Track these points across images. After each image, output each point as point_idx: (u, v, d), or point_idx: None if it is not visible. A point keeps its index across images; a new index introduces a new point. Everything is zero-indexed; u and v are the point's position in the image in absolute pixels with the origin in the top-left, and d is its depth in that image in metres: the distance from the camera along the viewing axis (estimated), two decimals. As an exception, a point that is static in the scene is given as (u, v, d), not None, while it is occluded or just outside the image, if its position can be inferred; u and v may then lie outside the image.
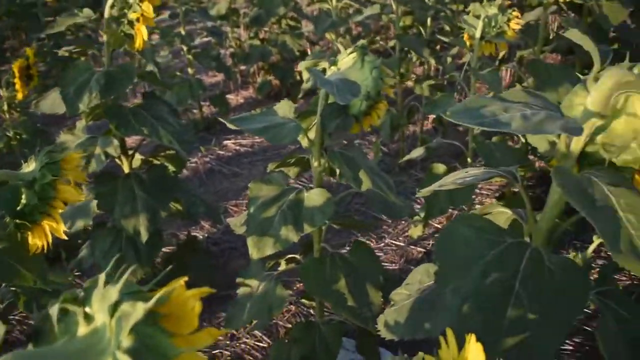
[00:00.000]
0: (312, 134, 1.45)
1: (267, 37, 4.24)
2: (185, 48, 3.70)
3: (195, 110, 4.17)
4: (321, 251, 1.59)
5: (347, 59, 1.46)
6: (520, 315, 0.73)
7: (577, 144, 0.80)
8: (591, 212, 0.69)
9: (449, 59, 3.00)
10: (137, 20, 1.72)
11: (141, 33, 1.72)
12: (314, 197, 1.43)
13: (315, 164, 1.50)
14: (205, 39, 4.83)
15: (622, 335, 0.87)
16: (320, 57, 1.66)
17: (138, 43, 1.74)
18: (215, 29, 3.87)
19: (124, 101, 2.36)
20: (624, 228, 0.70)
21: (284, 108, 1.52)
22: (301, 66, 1.56)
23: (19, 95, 2.44)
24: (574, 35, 0.84)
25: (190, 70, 3.82)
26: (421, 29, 2.89)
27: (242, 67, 4.75)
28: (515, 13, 1.79)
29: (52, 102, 1.89)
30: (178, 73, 3.91)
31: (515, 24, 1.78)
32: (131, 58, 3.42)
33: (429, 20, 2.86)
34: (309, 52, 4.30)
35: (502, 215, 1.03)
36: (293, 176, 1.67)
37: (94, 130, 1.96)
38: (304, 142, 1.44)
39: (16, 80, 2.43)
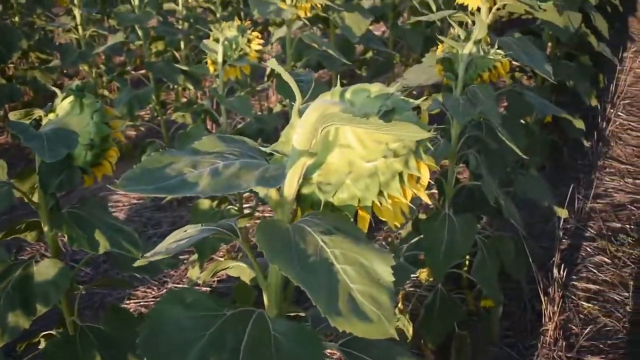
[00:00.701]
0: (36, 197, 1.24)
1: (14, 73, 3.77)
2: None
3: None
4: (74, 325, 1.36)
5: (64, 104, 1.26)
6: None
7: (289, 187, 0.71)
8: (301, 274, 0.59)
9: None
10: None
11: None
12: (45, 269, 1.22)
13: (46, 228, 1.29)
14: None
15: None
16: (67, 96, 1.42)
17: None
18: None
19: None
20: (341, 283, 0.62)
21: (-1, 169, 1.28)
22: (11, 116, 1.32)
23: None
24: (273, 64, 0.75)
25: None
26: (175, 53, 2.75)
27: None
28: (255, 33, 1.73)
29: None
30: None
31: (257, 45, 1.72)
32: None
33: (182, 44, 2.73)
34: (65, 84, 3.91)
35: (244, 271, 0.93)
36: (32, 241, 1.44)
37: None
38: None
39: None
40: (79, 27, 3.09)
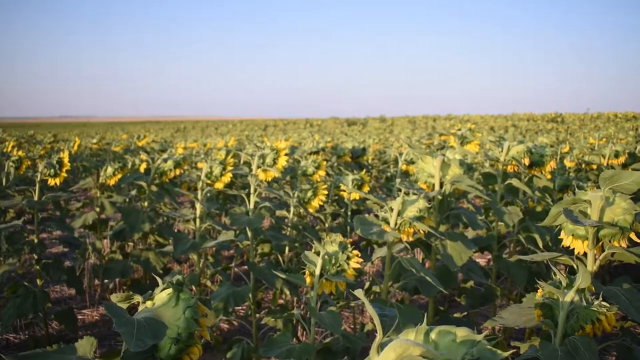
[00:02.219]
0: (116, 378, 1.25)
1: (132, 251, 4.06)
2: (35, 257, 3.43)
3: (41, 325, 3.76)
4: None
5: (162, 295, 1.32)
6: None
7: None
8: None
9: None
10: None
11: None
12: None
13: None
14: (65, 249, 4.57)
15: None
16: (167, 287, 1.51)
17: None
18: (73, 240, 3.66)
19: None
20: None
21: (85, 346, 1.33)
22: (113, 298, 1.40)
23: None
24: (359, 294, 0.76)
25: (39, 282, 3.50)
26: (279, 257, 2.86)
27: (106, 280, 4.48)
28: (355, 252, 1.77)
29: None
30: (26, 284, 3.57)
31: (355, 263, 1.75)
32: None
33: (287, 248, 2.85)
34: (174, 269, 4.13)
35: None
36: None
37: None
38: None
39: None
40: (197, 220, 3.34)
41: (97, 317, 4.12)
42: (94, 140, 12.00)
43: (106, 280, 4.50)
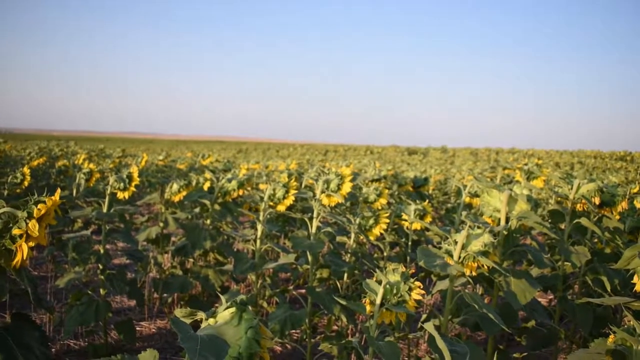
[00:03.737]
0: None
1: (192, 267, 4.14)
2: (100, 267, 3.54)
3: (101, 333, 3.87)
4: None
5: (225, 313, 1.34)
6: None
7: None
8: None
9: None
10: (21, 236, 1.61)
11: (22, 251, 1.59)
12: None
13: None
14: (127, 261, 4.70)
15: None
16: (233, 297, 1.53)
17: (16, 261, 1.60)
18: (137, 252, 3.76)
19: None
20: None
21: (148, 359, 1.36)
22: (177, 313, 1.43)
23: None
24: (430, 328, 0.75)
25: (102, 291, 3.61)
26: (337, 283, 2.85)
27: (164, 295, 4.57)
28: (417, 283, 1.74)
29: None
30: (90, 292, 3.69)
31: (417, 294, 1.72)
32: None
33: (345, 275, 2.83)
34: (231, 288, 4.17)
35: None
36: None
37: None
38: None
39: None
40: (258, 241, 3.38)
41: (154, 330, 4.21)
42: (160, 157, 12.38)
43: (165, 295, 4.59)
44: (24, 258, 1.61)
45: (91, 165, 5.74)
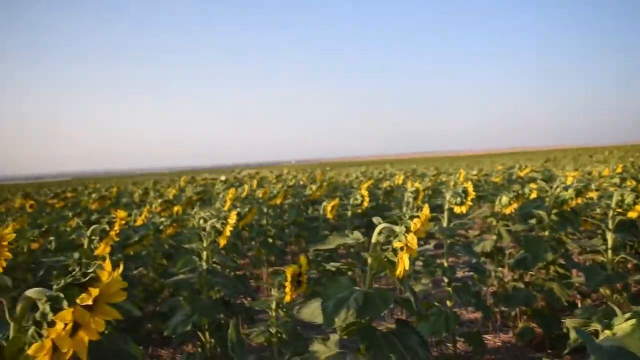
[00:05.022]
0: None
1: (532, 280, 4.03)
2: (446, 280, 3.70)
3: (449, 344, 4.04)
4: None
5: (624, 325, 1.28)
6: None
7: None
8: None
9: None
10: (401, 249, 1.78)
11: (403, 262, 1.76)
12: None
13: None
14: (468, 273, 4.81)
15: None
16: (591, 314, 1.49)
17: (399, 271, 1.78)
18: (478, 266, 3.83)
19: (378, 323, 2.38)
20: None
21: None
22: (567, 324, 1.41)
23: (287, 298, 2.67)
24: None
25: (448, 303, 3.76)
26: None
27: (504, 308, 4.55)
28: None
29: (312, 312, 1.96)
30: (437, 304, 3.89)
31: None
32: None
33: None
34: (579, 305, 3.94)
35: None
36: None
37: (346, 345, 1.96)
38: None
39: (287, 283, 2.67)
40: (609, 251, 3.14)
41: (499, 343, 4.20)
42: (474, 172, 12.46)
43: (504, 309, 4.57)
44: (406, 268, 1.78)
45: (417, 185, 6.07)
